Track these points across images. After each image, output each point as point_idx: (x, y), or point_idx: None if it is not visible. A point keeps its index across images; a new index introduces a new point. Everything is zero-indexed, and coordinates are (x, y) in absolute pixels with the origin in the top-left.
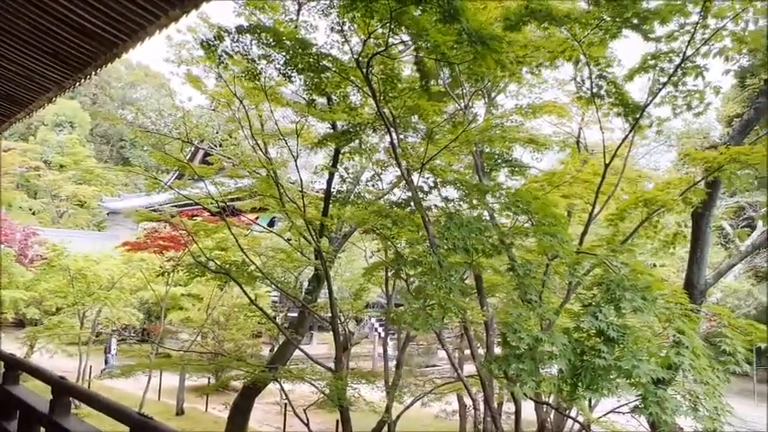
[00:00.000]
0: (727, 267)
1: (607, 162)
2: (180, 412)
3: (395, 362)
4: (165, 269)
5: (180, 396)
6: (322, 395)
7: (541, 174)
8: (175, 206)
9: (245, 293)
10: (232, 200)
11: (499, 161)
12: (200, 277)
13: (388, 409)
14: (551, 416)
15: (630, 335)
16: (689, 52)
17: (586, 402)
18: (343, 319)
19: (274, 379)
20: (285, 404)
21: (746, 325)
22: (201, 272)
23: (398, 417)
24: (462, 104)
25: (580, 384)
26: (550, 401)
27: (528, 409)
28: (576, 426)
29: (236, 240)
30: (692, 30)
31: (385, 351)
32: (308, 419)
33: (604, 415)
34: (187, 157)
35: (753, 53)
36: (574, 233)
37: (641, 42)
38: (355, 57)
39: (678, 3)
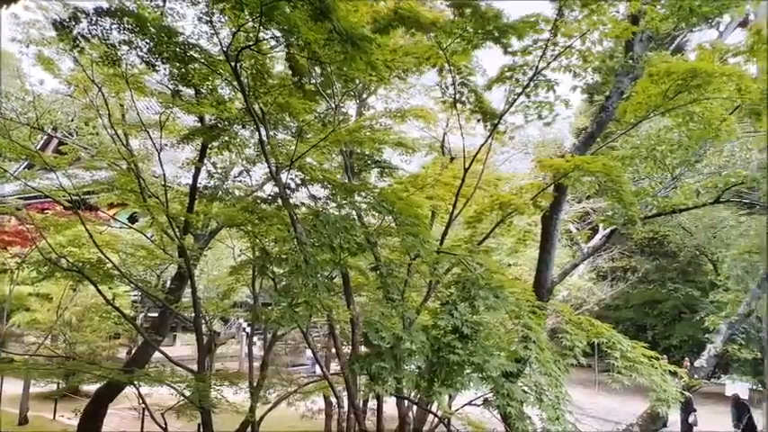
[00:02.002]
0: (572, 267)
1: (467, 166)
2: (23, 421)
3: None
4: (8, 267)
5: (24, 404)
6: (183, 398)
7: (407, 176)
8: (23, 198)
9: (100, 293)
10: (88, 193)
11: (369, 162)
12: (51, 276)
13: (252, 410)
14: (413, 411)
15: (483, 331)
16: (541, 66)
17: (446, 397)
18: (208, 319)
19: (130, 383)
20: (143, 409)
21: (584, 321)
22: (51, 270)
23: (262, 417)
24: (333, 104)
25: (436, 380)
26: (411, 397)
27: (392, 405)
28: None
29: (91, 236)
30: (544, 46)
31: (250, 351)
32: (165, 424)
33: (461, 408)
34: (38, 146)
35: (596, 71)
36: (437, 234)
37: (501, 55)
38: (224, 49)
39: (532, 20)
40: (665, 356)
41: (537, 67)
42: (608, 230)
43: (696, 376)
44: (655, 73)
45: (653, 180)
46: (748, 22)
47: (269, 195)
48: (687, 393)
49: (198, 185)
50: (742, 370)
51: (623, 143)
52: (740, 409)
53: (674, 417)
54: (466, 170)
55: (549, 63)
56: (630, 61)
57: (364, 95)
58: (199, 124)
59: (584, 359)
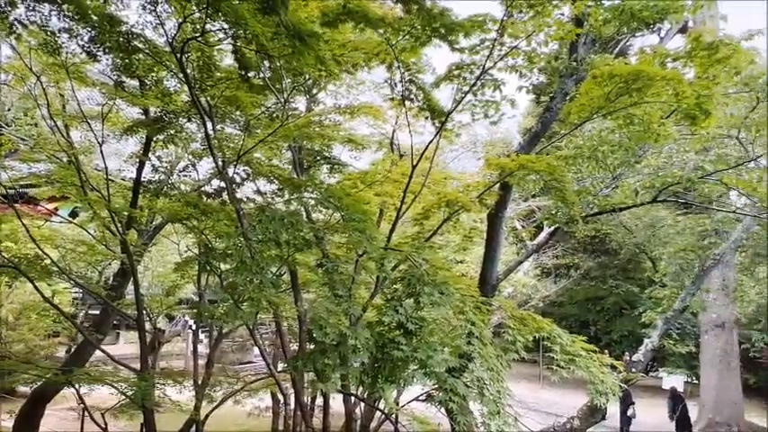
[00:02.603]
0: (516, 264)
1: (414, 163)
2: None
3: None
4: None
5: None
6: (125, 398)
7: (357, 172)
8: None
9: (38, 290)
10: (27, 186)
11: (319, 158)
12: None
13: (196, 409)
14: (361, 407)
15: (427, 327)
16: (488, 65)
17: (393, 393)
18: (152, 317)
19: (68, 383)
20: (83, 409)
21: (526, 316)
22: None
23: (207, 416)
24: (282, 99)
25: (380, 376)
26: (359, 394)
27: (341, 402)
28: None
29: (28, 231)
30: (491, 45)
31: (195, 349)
32: (105, 424)
33: (407, 404)
34: None
35: (542, 72)
36: (387, 231)
37: (451, 54)
38: (170, 40)
39: (480, 19)
40: (606, 351)
41: (484, 67)
42: (551, 228)
43: (633, 370)
44: (598, 75)
45: (595, 179)
46: (687, 29)
47: (213, 190)
48: (625, 387)
49: (142, 180)
50: (677, 363)
51: (568, 143)
52: (676, 401)
53: (614, 409)
54: (413, 167)
55: (496, 63)
56: (574, 63)
57: (314, 91)
58: (143, 116)
59: (528, 355)
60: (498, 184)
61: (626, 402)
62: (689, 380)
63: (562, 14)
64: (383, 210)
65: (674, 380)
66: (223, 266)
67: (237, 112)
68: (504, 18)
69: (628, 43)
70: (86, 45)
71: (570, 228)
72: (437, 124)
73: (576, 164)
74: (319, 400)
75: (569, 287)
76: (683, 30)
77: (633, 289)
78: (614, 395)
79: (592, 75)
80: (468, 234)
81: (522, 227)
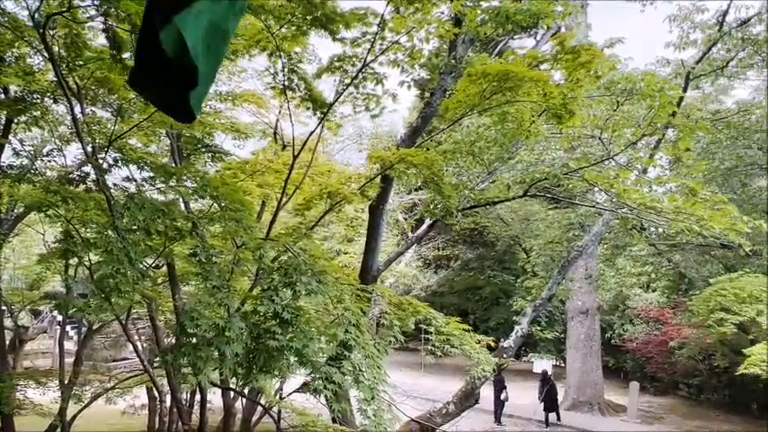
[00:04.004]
0: (396, 255)
1: (296, 153)
2: None
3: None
4: None
5: None
6: None
7: (237, 161)
8: None
9: None
10: None
11: (199, 146)
12: None
13: (61, 411)
14: (242, 402)
15: (304, 316)
16: (369, 58)
17: (274, 385)
18: (13, 313)
19: None
20: None
21: (404, 301)
22: None
23: (75, 417)
24: None
25: (254, 366)
26: (238, 388)
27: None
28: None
29: None
30: (373, 39)
31: (61, 346)
32: None
33: (288, 395)
34: None
35: (423, 68)
36: (269, 221)
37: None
38: (32, 14)
39: (361, 12)
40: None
41: (365, 60)
42: (430, 221)
43: (505, 355)
44: (473, 73)
45: (472, 174)
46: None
47: (78, 175)
48: (499, 371)
49: (2, 164)
50: (547, 348)
51: (447, 138)
52: (545, 383)
53: (488, 393)
54: (295, 157)
55: (377, 56)
56: (453, 61)
57: None
58: (2, 96)
59: (412, 343)
60: (380, 177)
61: (500, 387)
62: (557, 363)
63: (442, 13)
64: (265, 201)
65: (543, 363)
66: (94, 257)
67: (110, 95)
68: (385, 13)
69: (507, 45)
70: None
71: (447, 220)
72: (319, 115)
73: (454, 158)
74: (200, 396)
75: (450, 278)
76: (556, 35)
77: (509, 279)
78: (491, 372)
79: (467, 73)
80: (350, 225)
81: (405, 219)
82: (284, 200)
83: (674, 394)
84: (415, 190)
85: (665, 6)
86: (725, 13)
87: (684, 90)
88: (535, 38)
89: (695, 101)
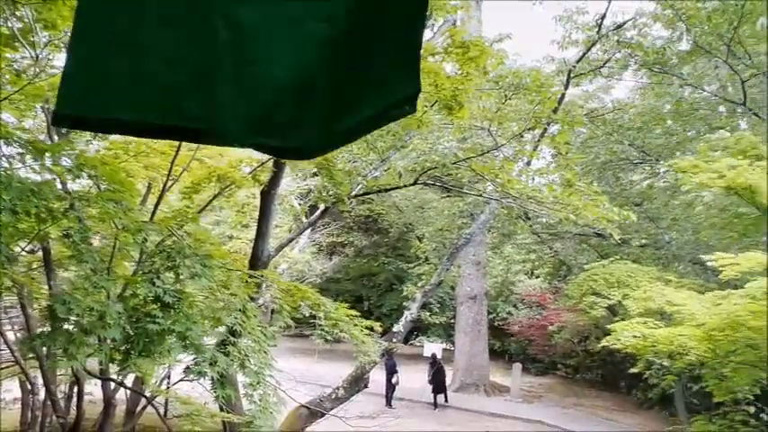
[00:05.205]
0: (288, 241)
1: None
2: None
3: None
4: None
5: None
6: None
7: (120, 141)
8: None
9: None
10: None
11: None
12: None
13: None
14: (128, 393)
15: (186, 299)
16: None
17: (161, 375)
18: None
19: None
20: None
21: (292, 287)
22: None
23: None
24: (34, 53)
25: (133, 351)
26: (119, 378)
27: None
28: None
29: None
30: None
31: None
32: None
33: (174, 384)
34: None
35: None
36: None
37: None
38: None
39: None
40: (378, 324)
41: None
42: (323, 207)
43: (395, 340)
44: None
45: (365, 161)
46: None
47: None
48: (389, 355)
49: None
50: (437, 333)
51: None
52: (434, 366)
53: (380, 378)
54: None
55: None
56: None
57: None
58: None
59: (309, 330)
60: (272, 162)
61: (391, 371)
62: (447, 347)
63: None
64: (152, 184)
65: (433, 347)
66: None
67: None
68: None
69: None
70: None
71: (340, 207)
72: None
73: (349, 146)
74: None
75: (345, 264)
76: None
77: (403, 266)
78: (380, 356)
79: None
80: (241, 210)
81: (299, 205)
82: (170, 183)
83: (553, 374)
84: (313, 176)
85: (554, 6)
86: (603, 17)
87: (566, 87)
88: (432, 30)
89: (578, 98)
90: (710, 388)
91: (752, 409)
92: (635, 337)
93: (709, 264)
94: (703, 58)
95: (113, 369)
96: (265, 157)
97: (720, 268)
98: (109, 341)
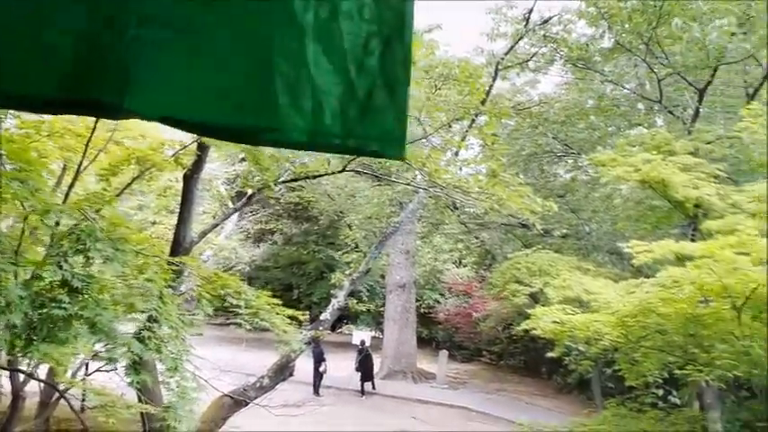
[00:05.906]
0: (211, 227)
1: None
2: None
3: None
4: None
5: None
6: None
7: (33, 120)
8: None
9: None
10: None
11: None
12: None
13: None
14: (41, 386)
15: (96, 284)
16: None
17: (76, 366)
18: None
19: None
20: None
21: (212, 274)
22: None
23: None
24: None
25: (36, 338)
26: (30, 369)
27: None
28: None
29: None
30: None
31: None
32: None
33: (89, 375)
34: None
35: None
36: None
37: None
38: None
39: None
40: (308, 312)
41: None
42: (249, 193)
43: (321, 328)
44: None
45: None
46: None
47: None
48: (316, 344)
49: None
50: (366, 321)
51: None
52: (361, 353)
53: (307, 366)
54: (97, 119)
55: None
56: None
57: None
58: None
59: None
60: (196, 144)
61: (318, 359)
62: (376, 335)
63: None
64: (66, 165)
65: (362, 335)
66: None
67: None
68: None
69: None
70: None
71: (266, 192)
72: None
73: None
74: None
75: (275, 252)
76: None
77: (333, 254)
78: (305, 344)
79: None
80: (163, 194)
81: (226, 190)
82: (86, 164)
83: (478, 361)
84: (240, 161)
85: None
86: (530, 11)
87: (494, 79)
88: None
89: (506, 92)
90: (623, 372)
91: (660, 392)
92: (554, 322)
93: (625, 251)
94: (624, 57)
95: (26, 361)
96: (188, 139)
97: (635, 254)
98: (9, 327)
